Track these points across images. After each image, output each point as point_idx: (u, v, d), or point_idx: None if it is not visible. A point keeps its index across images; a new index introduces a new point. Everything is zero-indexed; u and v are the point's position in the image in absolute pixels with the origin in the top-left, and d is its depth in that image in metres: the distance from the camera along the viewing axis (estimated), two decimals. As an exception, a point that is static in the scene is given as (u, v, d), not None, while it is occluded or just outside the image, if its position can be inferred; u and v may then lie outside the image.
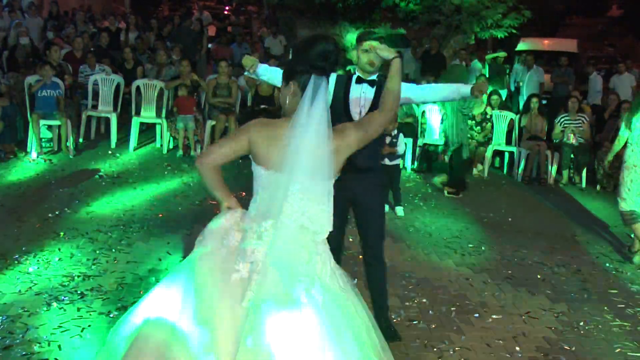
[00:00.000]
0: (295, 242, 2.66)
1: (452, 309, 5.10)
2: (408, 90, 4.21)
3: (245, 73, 4.62)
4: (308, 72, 2.72)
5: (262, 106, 10.22)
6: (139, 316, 2.72)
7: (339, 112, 4.13)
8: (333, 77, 4.17)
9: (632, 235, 6.84)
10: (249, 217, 2.78)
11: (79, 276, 5.22)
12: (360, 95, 4.21)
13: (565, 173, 10.05)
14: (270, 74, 4.36)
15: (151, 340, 2.61)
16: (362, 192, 4.22)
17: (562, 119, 10.17)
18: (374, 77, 4.23)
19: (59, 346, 4.13)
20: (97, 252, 5.80)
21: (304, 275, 2.65)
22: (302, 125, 2.62)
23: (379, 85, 4.18)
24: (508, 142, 10.58)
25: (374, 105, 4.14)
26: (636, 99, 7.26)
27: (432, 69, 12.82)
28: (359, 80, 4.22)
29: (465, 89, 4.28)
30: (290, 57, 2.90)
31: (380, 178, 4.46)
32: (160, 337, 2.60)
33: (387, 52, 3.34)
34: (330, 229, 2.81)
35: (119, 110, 10.58)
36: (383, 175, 4.54)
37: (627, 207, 6.63)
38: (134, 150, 10.06)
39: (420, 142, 10.22)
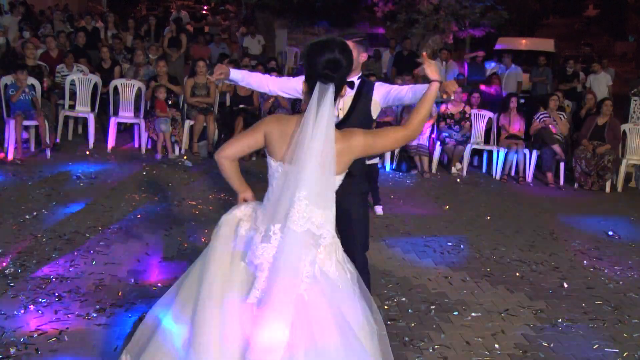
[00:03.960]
0: (301, 247, 2.74)
1: (432, 307, 5.11)
2: (401, 93, 4.12)
3: (216, 82, 4.58)
4: (314, 79, 2.80)
5: (241, 106, 10.20)
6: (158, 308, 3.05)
7: None
8: None
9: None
10: (262, 210, 2.91)
11: (56, 278, 5.17)
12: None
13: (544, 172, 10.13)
14: (251, 80, 4.33)
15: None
16: (343, 200, 4.09)
17: (541, 115, 10.27)
18: (353, 78, 4.07)
19: (37, 349, 4.08)
20: (75, 253, 5.75)
21: (307, 275, 2.74)
22: (309, 126, 2.72)
23: (359, 88, 4.09)
24: (486, 141, 10.65)
25: (352, 107, 4.09)
26: None
27: (406, 69, 12.89)
28: None
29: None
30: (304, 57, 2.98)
31: (361, 185, 4.20)
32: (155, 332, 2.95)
33: (434, 73, 3.21)
34: (334, 233, 2.90)
35: (96, 110, 10.50)
36: (365, 182, 4.37)
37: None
38: (112, 150, 9.99)
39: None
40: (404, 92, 4.12)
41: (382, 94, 4.14)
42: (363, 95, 4.11)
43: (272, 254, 2.74)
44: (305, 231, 2.75)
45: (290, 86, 4.42)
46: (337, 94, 2.86)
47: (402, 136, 3.02)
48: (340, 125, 3.22)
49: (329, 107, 2.75)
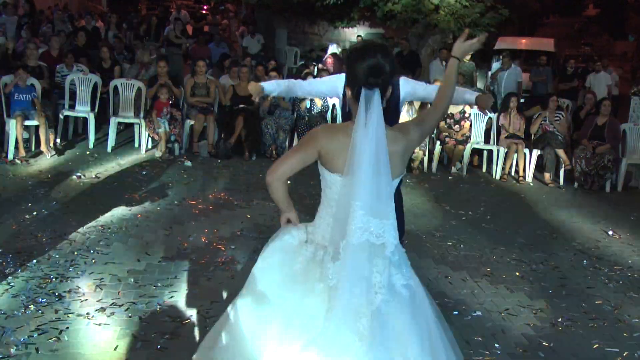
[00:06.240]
0: (364, 259, 2.68)
1: (432, 307, 5.11)
2: (418, 90, 4.61)
3: (257, 100, 4.92)
4: (358, 85, 2.71)
5: (241, 105, 10.19)
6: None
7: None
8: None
9: None
10: (320, 229, 2.85)
11: (56, 278, 5.17)
12: None
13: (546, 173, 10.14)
14: (281, 89, 4.71)
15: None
16: None
17: (540, 115, 10.30)
18: None
19: (37, 349, 4.08)
20: (75, 253, 5.75)
21: (381, 285, 2.68)
22: (359, 134, 2.63)
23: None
24: (486, 140, 10.65)
25: (385, 108, 4.24)
26: None
27: (406, 68, 12.90)
28: None
29: (470, 96, 4.56)
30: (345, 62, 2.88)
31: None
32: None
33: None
34: (396, 241, 2.78)
35: (96, 110, 10.49)
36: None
37: None
38: (112, 150, 9.98)
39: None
40: (420, 89, 4.77)
41: (407, 90, 4.65)
42: (393, 95, 4.29)
43: (340, 272, 2.68)
44: (363, 242, 2.66)
45: (325, 89, 4.87)
46: (383, 97, 2.74)
47: (440, 117, 2.97)
48: None
49: (377, 113, 2.64)
